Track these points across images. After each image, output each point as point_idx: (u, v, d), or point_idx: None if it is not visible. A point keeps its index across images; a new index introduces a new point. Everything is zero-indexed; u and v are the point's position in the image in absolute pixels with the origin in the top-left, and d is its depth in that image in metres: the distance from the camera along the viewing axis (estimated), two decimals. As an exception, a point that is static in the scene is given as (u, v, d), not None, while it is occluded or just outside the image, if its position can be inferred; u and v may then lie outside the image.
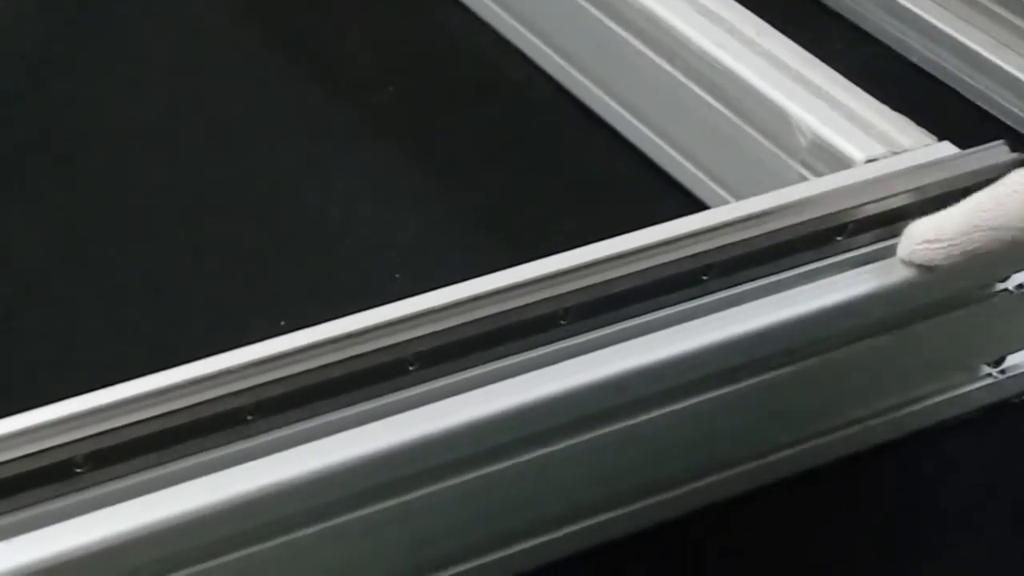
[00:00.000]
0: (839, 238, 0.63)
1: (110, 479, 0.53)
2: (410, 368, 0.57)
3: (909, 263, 0.60)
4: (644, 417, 0.60)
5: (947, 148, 0.68)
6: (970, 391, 0.70)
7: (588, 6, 0.83)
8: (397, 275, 0.76)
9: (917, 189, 0.64)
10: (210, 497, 0.53)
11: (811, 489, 0.66)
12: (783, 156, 0.72)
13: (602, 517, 0.63)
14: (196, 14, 0.95)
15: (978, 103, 0.86)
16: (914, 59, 0.89)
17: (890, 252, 0.62)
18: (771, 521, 0.65)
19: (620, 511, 0.63)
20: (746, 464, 0.65)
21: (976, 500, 0.67)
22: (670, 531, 0.64)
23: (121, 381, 0.54)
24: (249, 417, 0.55)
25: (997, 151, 0.66)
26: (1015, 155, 0.65)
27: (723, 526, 0.65)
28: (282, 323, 0.67)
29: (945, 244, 0.60)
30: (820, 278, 0.62)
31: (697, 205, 0.78)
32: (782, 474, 0.66)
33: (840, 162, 0.69)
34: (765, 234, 0.62)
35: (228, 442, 0.55)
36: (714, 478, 0.65)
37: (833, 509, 0.66)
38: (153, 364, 0.55)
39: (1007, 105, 0.84)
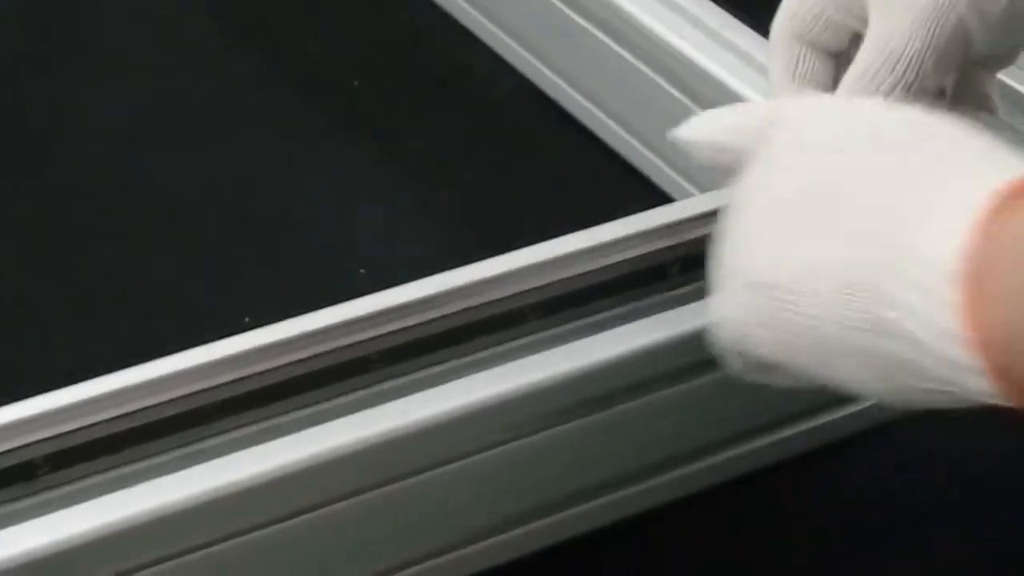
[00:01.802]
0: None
1: (72, 480, 0.53)
2: (374, 366, 0.57)
3: None
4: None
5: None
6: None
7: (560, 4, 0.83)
8: (362, 271, 0.75)
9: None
10: (176, 495, 0.53)
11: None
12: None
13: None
14: (167, 12, 0.95)
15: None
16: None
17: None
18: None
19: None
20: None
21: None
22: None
23: (86, 380, 0.54)
24: (212, 416, 0.54)
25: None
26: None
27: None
28: (247, 319, 0.67)
29: None
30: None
31: (665, 198, 0.78)
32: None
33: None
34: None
35: (193, 441, 0.54)
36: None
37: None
38: (117, 363, 0.55)
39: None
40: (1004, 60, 0.62)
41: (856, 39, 0.61)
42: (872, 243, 0.48)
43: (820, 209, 0.50)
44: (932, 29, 0.58)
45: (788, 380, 0.53)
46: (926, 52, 0.58)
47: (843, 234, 0.49)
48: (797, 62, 0.62)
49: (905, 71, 0.58)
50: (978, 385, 0.46)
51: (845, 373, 0.50)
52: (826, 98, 0.55)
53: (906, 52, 0.58)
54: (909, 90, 0.58)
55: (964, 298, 0.45)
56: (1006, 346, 0.45)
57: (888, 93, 0.58)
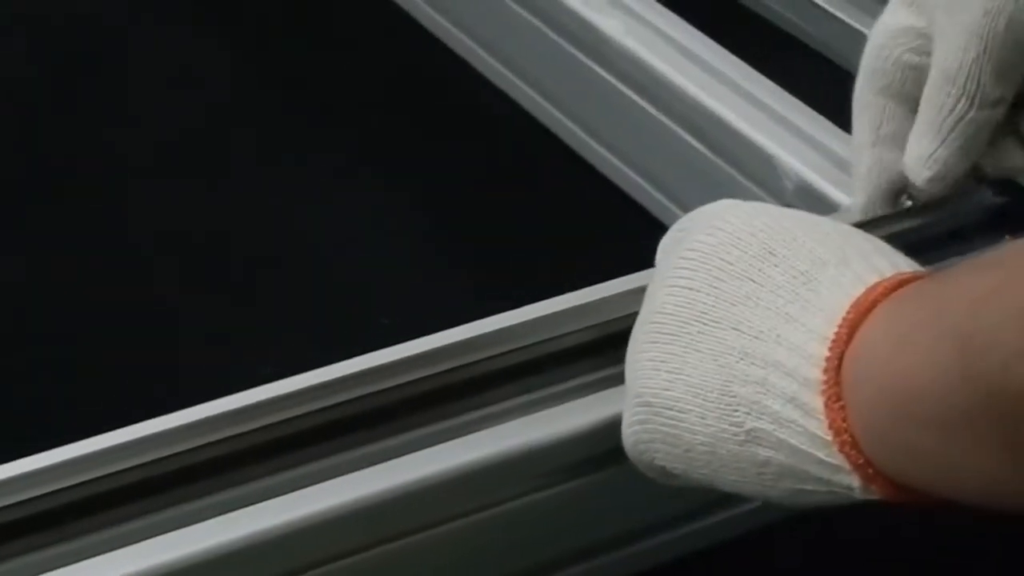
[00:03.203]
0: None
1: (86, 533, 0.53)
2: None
3: None
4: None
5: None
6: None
7: (569, 47, 0.83)
8: (385, 320, 0.76)
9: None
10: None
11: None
12: (769, 200, 0.72)
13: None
14: (184, 47, 0.95)
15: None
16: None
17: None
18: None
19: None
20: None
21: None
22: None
23: (99, 429, 0.54)
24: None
25: (981, 195, 0.66)
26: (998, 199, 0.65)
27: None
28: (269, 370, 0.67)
29: None
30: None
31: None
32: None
33: (826, 205, 0.69)
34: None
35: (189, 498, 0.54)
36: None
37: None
38: (126, 408, 0.55)
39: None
40: None
41: None
42: (746, 361, 0.51)
43: (700, 331, 0.53)
44: (984, 36, 0.59)
45: (693, 485, 0.55)
46: (984, 60, 0.59)
47: (721, 354, 0.52)
48: (881, 122, 0.63)
49: (966, 83, 0.59)
50: (850, 482, 0.49)
51: (739, 483, 0.53)
52: (726, 205, 0.56)
53: (963, 64, 0.59)
54: (973, 104, 0.60)
55: (826, 404, 0.49)
56: (867, 445, 0.48)
57: (953, 110, 0.60)
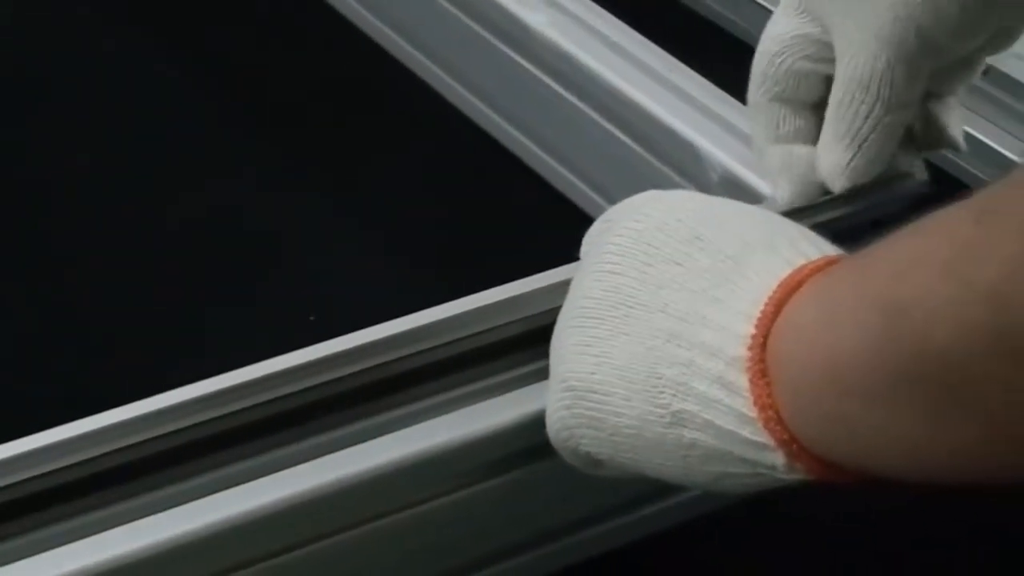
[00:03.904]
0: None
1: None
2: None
3: None
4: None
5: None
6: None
7: (497, 42, 0.83)
8: (312, 317, 0.75)
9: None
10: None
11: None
12: (694, 190, 0.72)
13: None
14: (129, 54, 0.95)
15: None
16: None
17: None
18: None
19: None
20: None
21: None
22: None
23: (38, 428, 0.53)
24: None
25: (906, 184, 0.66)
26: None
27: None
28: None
29: None
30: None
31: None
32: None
33: (751, 196, 0.69)
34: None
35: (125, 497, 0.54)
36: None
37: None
38: (70, 408, 0.55)
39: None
40: (973, 66, 0.64)
41: (830, 83, 0.62)
42: (673, 343, 0.51)
43: (627, 314, 0.53)
44: (895, 42, 0.59)
45: (618, 474, 0.55)
46: (895, 65, 0.59)
47: (647, 337, 0.52)
48: (778, 124, 0.64)
49: (879, 89, 0.60)
50: (775, 461, 0.50)
51: (664, 467, 0.53)
52: (652, 194, 0.57)
53: (875, 69, 0.60)
54: (888, 108, 0.60)
55: (751, 381, 0.49)
56: (792, 421, 0.49)
57: (868, 117, 0.60)
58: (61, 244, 0.81)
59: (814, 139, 0.64)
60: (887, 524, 0.68)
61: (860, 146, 0.61)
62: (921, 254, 0.45)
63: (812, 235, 0.54)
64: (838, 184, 0.63)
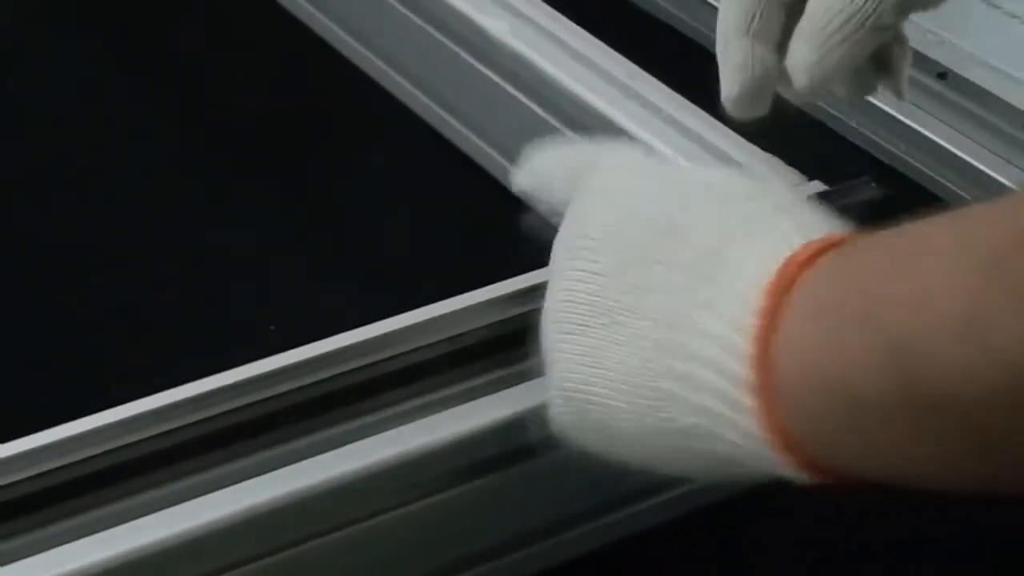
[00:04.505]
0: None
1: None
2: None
3: None
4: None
5: (817, 186, 0.68)
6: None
7: (455, 47, 0.83)
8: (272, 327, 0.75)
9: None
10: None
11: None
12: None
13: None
14: (65, 53, 0.94)
15: (844, 135, 0.86)
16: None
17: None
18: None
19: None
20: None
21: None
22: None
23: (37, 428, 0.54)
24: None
25: (863, 187, 0.66)
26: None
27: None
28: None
29: None
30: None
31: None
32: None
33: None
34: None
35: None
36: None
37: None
38: (26, 424, 0.54)
39: (870, 135, 0.84)
40: None
41: None
42: (667, 355, 0.51)
43: (614, 320, 0.52)
44: None
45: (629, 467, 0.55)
46: None
47: (639, 349, 0.52)
48: (754, 16, 0.62)
49: (864, 3, 0.59)
50: (783, 472, 0.50)
51: (671, 468, 0.53)
52: (637, 162, 0.57)
53: None
54: (863, 26, 0.59)
55: (756, 400, 0.49)
56: (798, 438, 0.49)
57: (844, 28, 0.59)
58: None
59: (781, 44, 0.62)
60: (886, 520, 0.68)
61: (827, 52, 0.60)
62: (929, 296, 0.45)
63: (784, 204, 0.53)
64: (801, 79, 0.61)
